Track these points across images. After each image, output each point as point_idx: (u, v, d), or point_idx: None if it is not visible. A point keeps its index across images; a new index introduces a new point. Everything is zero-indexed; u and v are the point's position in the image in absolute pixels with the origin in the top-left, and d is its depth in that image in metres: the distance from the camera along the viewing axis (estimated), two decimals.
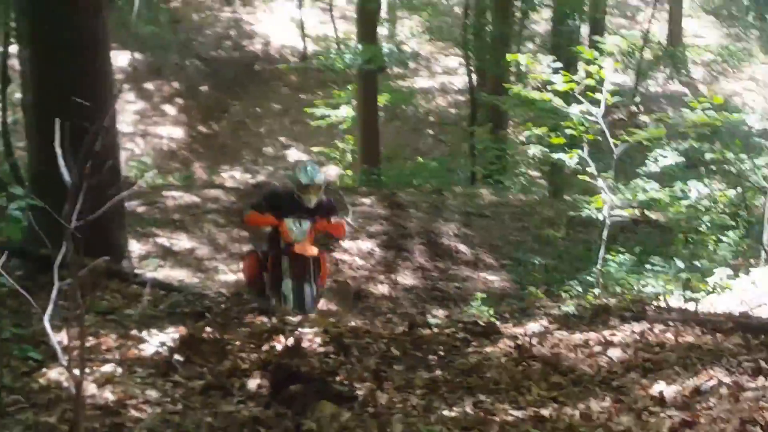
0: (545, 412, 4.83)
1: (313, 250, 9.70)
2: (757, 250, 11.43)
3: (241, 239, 14.60)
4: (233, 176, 19.42)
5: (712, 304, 9.18)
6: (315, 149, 19.58)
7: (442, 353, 6.11)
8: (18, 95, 13.26)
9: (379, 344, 6.34)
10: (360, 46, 19.02)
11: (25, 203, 8.54)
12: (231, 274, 12.96)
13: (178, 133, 21.09)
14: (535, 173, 18.37)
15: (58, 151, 4.53)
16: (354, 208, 10.99)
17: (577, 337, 6.40)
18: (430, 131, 21.78)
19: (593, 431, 4.54)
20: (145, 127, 20.46)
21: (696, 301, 9.26)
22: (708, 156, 14.44)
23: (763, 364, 5.65)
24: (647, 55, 24.98)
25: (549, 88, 12.55)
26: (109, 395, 5.30)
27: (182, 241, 14.14)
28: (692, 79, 24.67)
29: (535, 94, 13.37)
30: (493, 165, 18.70)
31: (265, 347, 5.94)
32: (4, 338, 6.65)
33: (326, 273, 10.53)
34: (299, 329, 6.99)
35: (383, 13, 21.08)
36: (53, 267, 3.31)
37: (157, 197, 14.39)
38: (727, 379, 5.24)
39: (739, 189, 13.49)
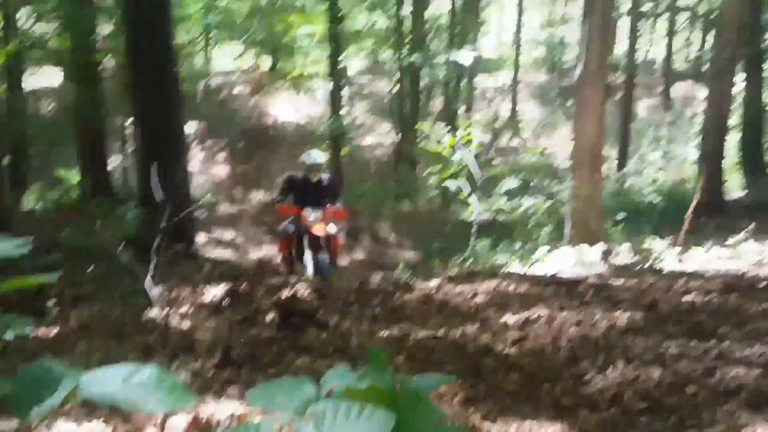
0: (440, 332, 4.85)
1: (323, 230, 9.01)
2: (561, 238, 11.53)
3: (263, 233, 14.57)
4: (258, 196, 19.27)
5: (536, 268, 9.24)
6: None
7: (380, 299, 6.12)
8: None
9: (343, 294, 6.35)
10: (331, 119, 18.93)
11: (137, 212, 8.52)
12: (256, 254, 12.92)
13: (224, 171, 20.93)
14: (434, 193, 18.40)
15: (154, 181, 4.54)
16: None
17: (458, 288, 6.37)
18: (371, 170, 21.72)
19: (468, 343, 4.55)
20: (205, 168, 20.24)
21: (527, 267, 9.35)
22: (533, 182, 14.59)
23: (565, 303, 5.73)
24: (498, 124, 25.11)
25: (442, 142, 12.67)
26: (185, 325, 5.31)
27: (227, 234, 14.12)
28: (524, 138, 24.72)
29: (434, 147, 13.47)
30: (409, 189, 18.72)
31: (276, 296, 5.93)
32: (126, 293, 6.67)
33: (338, 249, 9.88)
34: (296, 285, 7.00)
35: (344, 100, 20.91)
36: (152, 250, 3.33)
37: (212, 209, 14.32)
38: (544, 313, 5.29)
39: (551, 201, 13.59)
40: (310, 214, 8.98)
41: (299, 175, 9.38)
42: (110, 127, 15.41)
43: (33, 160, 16.58)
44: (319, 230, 8.93)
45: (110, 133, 15.35)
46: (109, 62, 14.67)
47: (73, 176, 15.79)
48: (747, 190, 15.14)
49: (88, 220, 11.04)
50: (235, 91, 24.49)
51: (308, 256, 8.95)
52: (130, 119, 10.72)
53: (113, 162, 15.62)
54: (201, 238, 10.85)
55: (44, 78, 20.68)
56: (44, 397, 0.84)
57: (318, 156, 9.55)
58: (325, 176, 9.56)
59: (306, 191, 9.15)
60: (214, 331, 5.16)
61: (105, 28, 13.75)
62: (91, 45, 13.73)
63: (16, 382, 0.87)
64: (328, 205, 9.25)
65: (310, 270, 8.87)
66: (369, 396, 0.92)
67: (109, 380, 0.90)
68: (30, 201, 15.08)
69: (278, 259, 10.57)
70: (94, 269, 8.07)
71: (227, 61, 24.98)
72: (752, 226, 10.70)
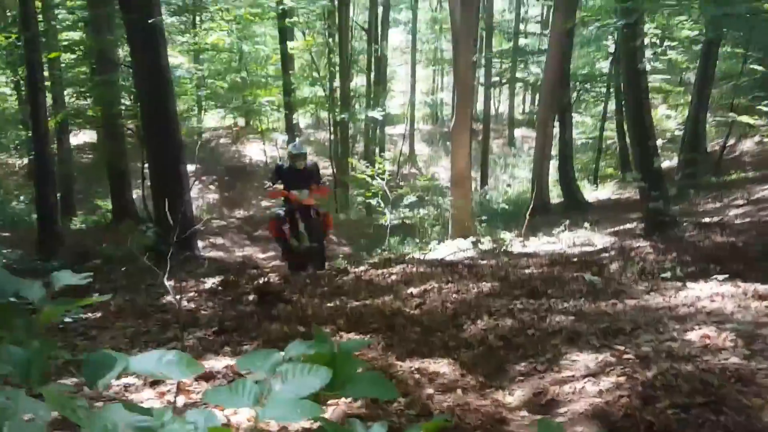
0: (368, 302, 4.84)
1: (312, 200, 7.83)
2: (446, 234, 11.63)
3: (243, 239, 14.30)
4: (239, 213, 18.87)
5: (430, 255, 9.26)
6: (271, 201, 19.21)
7: (326, 281, 6.08)
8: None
9: (301, 279, 6.31)
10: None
11: (155, 230, 8.28)
12: (240, 254, 12.66)
13: (215, 196, 20.44)
14: (361, 207, 18.33)
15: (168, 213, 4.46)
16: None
17: (379, 271, 6.33)
18: None
19: (385, 308, 4.53)
20: (201, 195, 19.75)
21: (424, 254, 9.35)
22: (426, 197, 14.72)
23: (449, 277, 5.74)
24: (401, 159, 25.14)
25: (365, 173, 12.69)
26: (191, 305, 5.21)
27: (218, 240, 13.77)
28: (418, 168, 24.81)
29: (359, 176, 13.49)
30: (344, 204, 18.63)
31: (254, 282, 5.86)
32: (148, 286, 6.51)
33: (330, 223, 8.44)
34: (270, 274, 6.93)
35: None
36: (167, 257, 3.27)
37: (207, 223, 13.95)
38: (436, 285, 5.31)
39: (438, 210, 13.71)
40: (299, 193, 7.79)
41: (286, 163, 8.09)
42: (132, 168, 15.03)
43: (78, 194, 16.42)
44: (308, 200, 7.78)
45: (133, 172, 14.97)
46: (131, 124, 14.39)
47: (106, 205, 15.48)
48: (563, 198, 15.54)
49: (118, 236, 10.75)
50: (221, 141, 24.19)
51: (302, 227, 7.79)
52: (146, 163, 10.47)
53: (135, 193, 15.20)
54: (201, 243, 10.62)
55: (85, 136, 20.39)
56: (106, 372, 0.86)
57: (302, 146, 8.25)
58: (308, 163, 8.16)
59: (292, 176, 7.86)
60: (211, 309, 5.09)
61: (126, 100, 13.52)
62: (117, 113, 13.55)
63: (86, 363, 0.88)
64: (312, 186, 7.97)
65: (306, 240, 7.76)
66: (315, 359, 0.96)
67: (148, 360, 0.93)
68: (76, 223, 14.85)
69: (273, 239, 8.82)
70: (125, 270, 7.86)
71: (214, 120, 24.66)
72: (567, 221, 10.98)
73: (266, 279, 6.25)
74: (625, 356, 3.10)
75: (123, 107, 13.62)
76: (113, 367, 0.83)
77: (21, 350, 0.90)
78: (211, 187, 21.12)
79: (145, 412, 0.79)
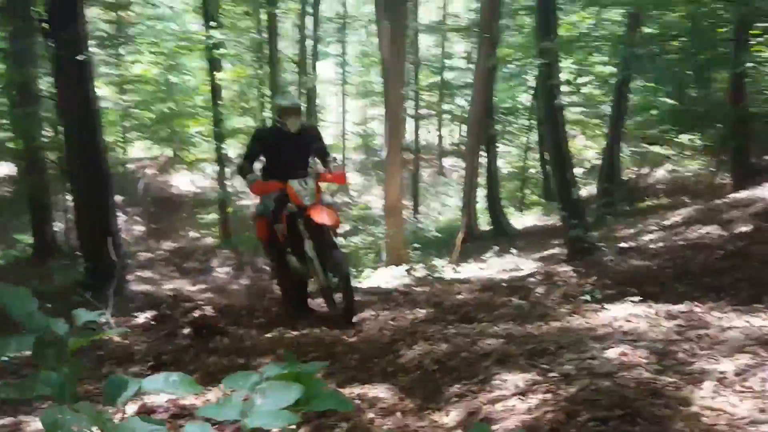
0: (306, 331, 4.85)
1: (329, 218, 5.01)
2: (380, 262, 11.75)
3: (171, 272, 13.99)
4: (166, 245, 18.45)
5: (365, 283, 9.27)
6: (202, 232, 18.77)
7: (263, 312, 6.06)
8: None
9: (235, 308, 6.28)
10: (219, 189, 18.49)
11: (86, 265, 8.04)
12: (169, 286, 12.36)
13: (142, 228, 19.95)
14: None
15: (110, 247, 4.41)
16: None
17: (316, 300, 6.21)
18: (250, 223, 21.35)
19: (325, 337, 4.58)
20: (127, 227, 19.23)
21: (360, 282, 9.36)
22: (360, 225, 14.85)
23: (385, 305, 5.84)
24: (336, 188, 25.24)
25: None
26: (125, 341, 5.13)
27: (147, 273, 13.45)
28: (352, 197, 24.98)
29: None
30: None
31: (189, 315, 5.81)
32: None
33: (337, 222, 5.35)
34: (204, 306, 6.85)
35: (227, 175, 20.49)
36: (98, 292, 3.27)
37: (134, 257, 13.58)
38: (373, 313, 5.38)
39: (372, 237, 13.86)
40: (301, 188, 5.06)
41: (269, 128, 5.66)
42: (55, 201, 14.56)
43: None
44: (321, 217, 4.93)
45: (55, 204, 14.50)
46: (53, 156, 13.98)
47: (27, 239, 14.91)
48: (491, 225, 16.00)
49: (44, 270, 10.38)
50: (148, 171, 23.70)
51: (309, 246, 5.11)
52: (70, 195, 10.16)
53: (57, 226, 14.69)
54: (129, 277, 10.39)
55: (5, 168, 19.59)
56: (122, 392, 0.99)
57: (295, 97, 4.98)
58: (304, 123, 5.51)
59: (283, 147, 5.10)
60: (145, 344, 5.03)
61: (49, 132, 13.17)
62: (39, 145, 13.18)
63: (107, 385, 1.01)
64: (317, 166, 5.31)
65: (315, 265, 5.12)
66: (287, 378, 1.10)
67: (156, 381, 1.05)
68: None
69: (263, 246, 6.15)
70: (53, 307, 7.58)
71: (141, 151, 24.19)
72: (496, 248, 11.33)
73: (201, 312, 6.20)
74: (550, 375, 3.31)
75: (45, 139, 13.27)
76: (128, 387, 0.97)
77: (55, 374, 1.02)
78: (138, 219, 20.62)
79: (159, 423, 0.92)
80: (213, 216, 19.76)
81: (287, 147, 5.08)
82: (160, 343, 4.97)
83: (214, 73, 17.74)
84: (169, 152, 24.36)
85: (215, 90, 18.42)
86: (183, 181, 23.23)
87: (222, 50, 17.99)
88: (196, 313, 6.04)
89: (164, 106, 18.92)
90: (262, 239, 5.72)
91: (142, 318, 6.17)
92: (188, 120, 18.00)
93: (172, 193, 23.29)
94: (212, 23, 15.79)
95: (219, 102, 18.67)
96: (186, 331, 5.31)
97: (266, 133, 5.39)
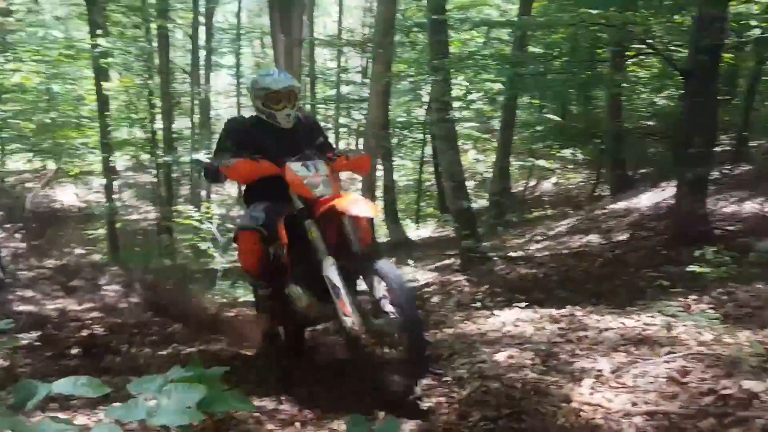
0: (203, 347, 4.82)
1: (366, 207, 3.16)
2: None
3: (54, 291, 13.17)
4: (53, 261, 17.40)
5: None
6: (88, 248, 17.88)
7: (156, 329, 5.91)
8: None
9: (127, 327, 6.07)
10: (107, 203, 17.71)
11: None
12: (53, 306, 11.58)
13: (22, 245, 18.79)
14: (188, 251, 17.77)
15: None
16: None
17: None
18: (139, 239, 20.57)
19: (222, 353, 4.56)
20: (5, 243, 18.04)
21: None
22: None
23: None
24: (227, 202, 24.75)
25: (192, 216, 12.37)
26: (5, 364, 4.83)
27: (29, 293, 12.55)
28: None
29: (185, 220, 13.10)
30: (170, 250, 17.96)
31: (78, 334, 5.57)
32: None
33: (368, 229, 3.36)
34: (93, 326, 6.56)
35: (115, 188, 19.65)
36: None
37: (14, 275, 12.61)
38: None
39: None
40: (305, 170, 3.32)
41: (248, 118, 3.75)
42: None
43: None
44: (353, 207, 3.13)
45: None
46: None
47: None
48: (389, 237, 16.29)
49: None
50: (29, 185, 22.31)
51: (329, 265, 3.14)
52: None
53: None
54: (10, 297, 9.73)
55: None
56: (33, 396, 0.99)
57: (288, 75, 3.75)
58: (300, 115, 3.81)
59: (270, 149, 3.46)
60: (31, 366, 4.77)
61: None
62: None
63: (17, 390, 1.01)
64: (329, 155, 3.63)
65: (341, 294, 3.13)
66: (191, 380, 1.15)
67: (66, 385, 1.07)
68: None
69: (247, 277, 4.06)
70: None
71: (20, 164, 22.75)
72: (393, 259, 11.52)
73: (90, 331, 5.96)
74: (444, 379, 3.49)
75: None
76: (38, 392, 0.97)
77: None
78: (17, 235, 19.32)
79: (69, 423, 0.93)
80: (100, 231, 18.87)
81: (275, 148, 3.44)
82: (46, 365, 4.72)
83: (101, 82, 17.09)
84: (52, 165, 23.13)
85: (102, 99, 17.74)
86: (66, 195, 22.06)
87: (109, 59, 17.33)
88: (85, 333, 5.82)
89: (46, 116, 17.92)
90: (249, 271, 3.70)
91: (26, 339, 5.82)
92: (73, 131, 17.11)
93: (54, 207, 22.07)
94: (98, 31, 15.14)
95: (106, 112, 17.97)
96: (74, 351, 5.10)
97: (244, 125, 3.67)
